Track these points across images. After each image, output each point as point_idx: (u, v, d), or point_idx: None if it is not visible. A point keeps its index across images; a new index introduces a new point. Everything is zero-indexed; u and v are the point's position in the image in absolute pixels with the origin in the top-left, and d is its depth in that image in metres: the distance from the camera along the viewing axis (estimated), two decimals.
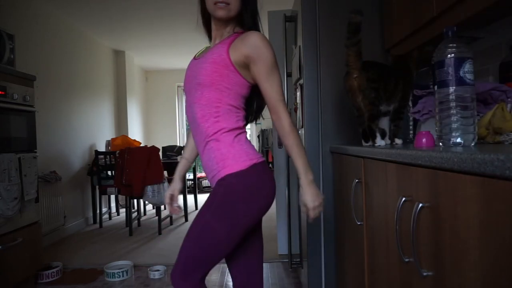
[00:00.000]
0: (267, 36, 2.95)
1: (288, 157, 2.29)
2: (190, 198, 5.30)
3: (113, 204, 4.99)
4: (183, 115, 7.32)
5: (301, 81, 1.95)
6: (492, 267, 0.56)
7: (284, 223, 2.97)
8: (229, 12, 1.11)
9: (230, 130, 1.12)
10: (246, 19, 1.15)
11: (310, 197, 1.10)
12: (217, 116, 1.11)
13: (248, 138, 1.19)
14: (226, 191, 1.08)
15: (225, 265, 1.30)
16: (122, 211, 5.08)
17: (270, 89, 1.10)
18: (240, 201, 1.08)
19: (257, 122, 1.33)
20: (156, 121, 7.05)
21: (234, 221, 1.08)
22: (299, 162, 1.11)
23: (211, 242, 1.08)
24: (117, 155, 3.92)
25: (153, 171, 3.67)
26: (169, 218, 4.28)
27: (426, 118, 1.31)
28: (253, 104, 1.22)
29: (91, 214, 4.46)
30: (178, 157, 4.77)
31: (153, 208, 5.03)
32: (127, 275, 2.62)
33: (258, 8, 1.18)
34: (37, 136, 2.61)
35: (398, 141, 1.40)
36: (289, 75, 2.27)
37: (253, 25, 1.17)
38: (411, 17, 1.45)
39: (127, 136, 4.94)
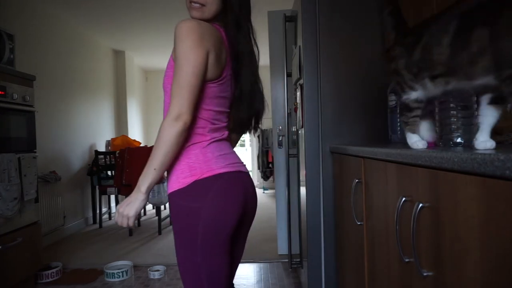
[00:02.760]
0: (267, 36, 2.95)
1: (288, 157, 2.29)
2: None
3: (113, 204, 4.98)
4: None
5: (301, 81, 1.95)
6: (492, 267, 0.56)
7: (284, 223, 2.97)
8: (203, 14, 1.05)
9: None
10: (226, 23, 1.08)
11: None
12: None
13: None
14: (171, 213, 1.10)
15: None
16: None
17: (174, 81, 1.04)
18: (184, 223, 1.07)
19: None
20: (156, 121, 7.04)
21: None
22: None
23: (197, 277, 1.05)
24: (117, 155, 3.92)
25: None
26: (168, 218, 4.28)
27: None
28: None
29: (91, 214, 4.46)
30: None
31: (153, 208, 5.03)
32: (126, 275, 2.62)
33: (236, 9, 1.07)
34: (37, 136, 2.61)
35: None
36: (289, 75, 2.27)
37: (236, 30, 1.08)
38: (411, 17, 1.45)
39: (127, 136, 4.94)
